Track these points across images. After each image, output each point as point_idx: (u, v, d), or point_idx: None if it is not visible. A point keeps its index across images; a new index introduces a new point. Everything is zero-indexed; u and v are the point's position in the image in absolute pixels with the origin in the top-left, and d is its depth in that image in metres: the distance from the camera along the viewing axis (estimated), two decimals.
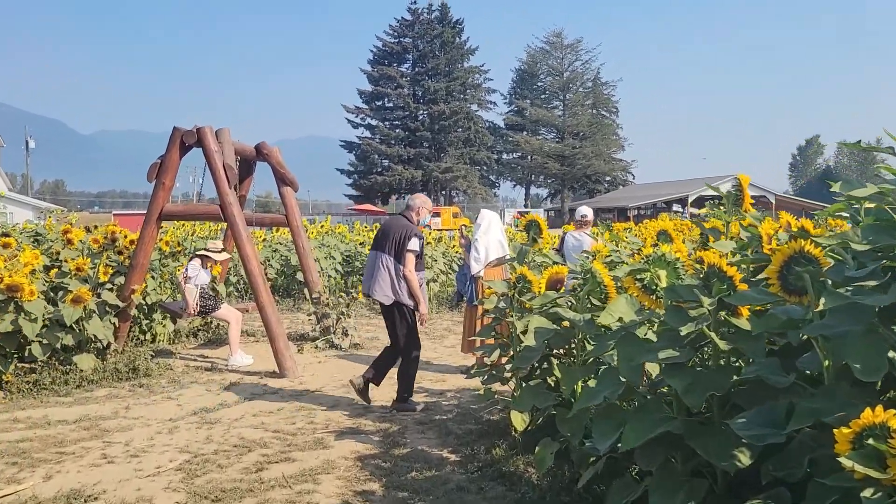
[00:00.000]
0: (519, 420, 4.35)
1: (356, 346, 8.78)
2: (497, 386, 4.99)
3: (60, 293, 6.62)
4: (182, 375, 7.08)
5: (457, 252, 14.13)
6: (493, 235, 7.06)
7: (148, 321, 8.53)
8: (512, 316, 4.62)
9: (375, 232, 7.66)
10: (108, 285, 7.24)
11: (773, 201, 56.80)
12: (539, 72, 77.71)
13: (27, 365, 6.39)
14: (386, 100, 70.28)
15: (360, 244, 14.06)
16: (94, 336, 6.59)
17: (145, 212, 7.31)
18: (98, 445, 4.97)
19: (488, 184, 76.21)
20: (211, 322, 9.24)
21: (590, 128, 74.35)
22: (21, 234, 9.92)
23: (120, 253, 8.04)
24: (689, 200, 56.25)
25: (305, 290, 12.69)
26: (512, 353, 4.70)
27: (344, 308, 8.76)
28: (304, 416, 5.74)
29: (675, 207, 60.00)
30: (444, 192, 71.44)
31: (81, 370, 6.50)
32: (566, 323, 4.21)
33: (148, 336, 8.54)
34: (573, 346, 4.03)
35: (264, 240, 15.09)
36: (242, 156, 8.18)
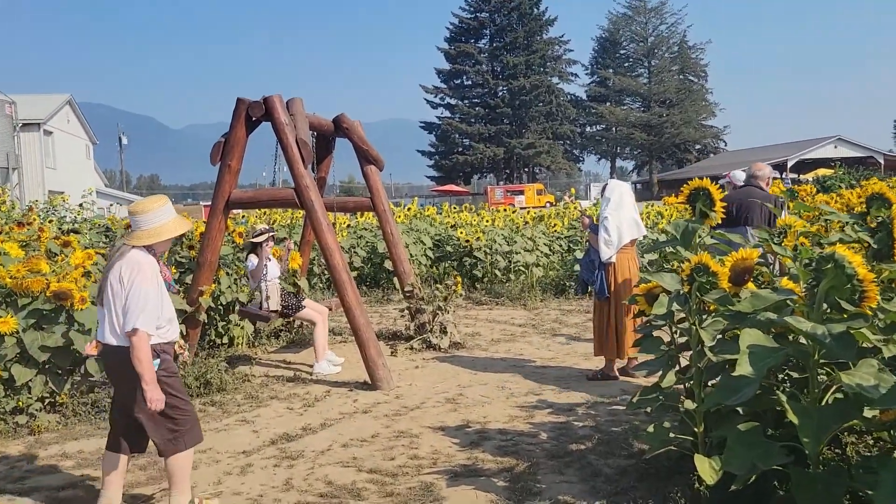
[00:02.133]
0: (708, 470, 3.04)
1: (456, 345, 7.62)
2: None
3: None
4: (261, 389, 6.09)
5: (556, 231, 12.80)
6: (626, 212, 5.73)
7: (224, 323, 7.62)
8: (691, 321, 3.32)
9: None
10: (178, 287, 6.31)
11: (882, 162, 52.41)
12: (622, 39, 74.47)
13: (87, 383, 5.52)
14: (464, 77, 68.86)
15: (451, 227, 12.90)
16: None
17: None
18: (156, 494, 3.98)
19: (572, 158, 73.94)
20: (294, 320, 8.27)
21: (677, 94, 70.84)
22: (90, 229, 9.24)
23: (191, 248, 7.14)
24: (788, 166, 52.56)
25: (395, 281, 11.71)
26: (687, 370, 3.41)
27: (441, 302, 7.61)
28: (405, 447, 4.61)
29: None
30: (526, 169, 69.75)
31: None
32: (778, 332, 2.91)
33: (224, 339, 7.63)
34: (808, 372, 2.71)
35: (349, 226, 14.14)
36: (319, 131, 7.11)
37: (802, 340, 2.77)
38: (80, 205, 18.30)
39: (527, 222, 12.75)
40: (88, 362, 5.29)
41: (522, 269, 11.55)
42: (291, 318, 7.08)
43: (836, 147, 53.31)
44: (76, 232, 8.73)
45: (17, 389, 5.14)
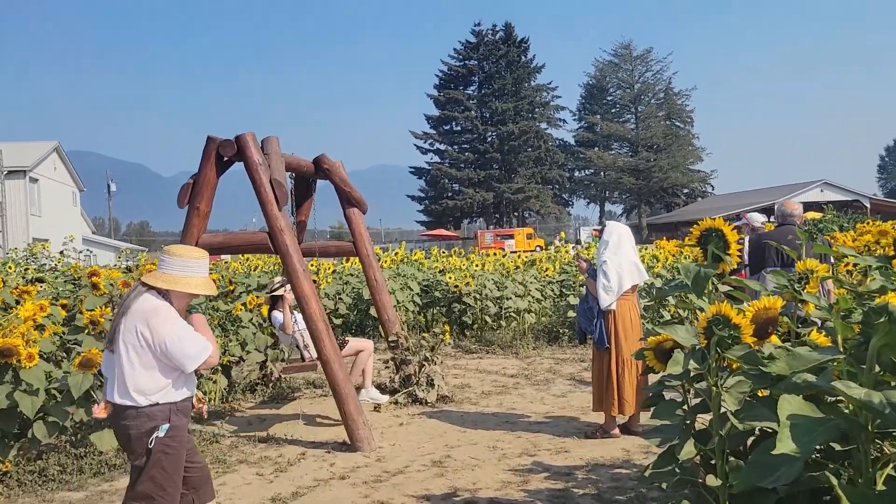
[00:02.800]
0: None
1: (444, 398, 7.12)
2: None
3: (73, 354, 5.22)
4: (229, 451, 5.57)
5: (547, 276, 12.38)
6: (625, 255, 5.32)
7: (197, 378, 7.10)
8: (711, 382, 2.89)
9: (750, 249, 6.41)
10: None
11: (868, 205, 52.60)
12: (609, 85, 75.33)
13: (35, 449, 5.00)
14: (454, 123, 69.28)
15: (440, 272, 12.46)
16: None
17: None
18: None
19: (561, 202, 74.13)
20: (270, 373, 7.76)
21: (665, 139, 71.42)
22: (58, 277, 8.75)
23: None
24: (776, 209, 52.67)
25: (381, 329, 11.23)
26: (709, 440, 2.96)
27: (428, 352, 7.13)
28: None
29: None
30: (516, 213, 69.76)
31: (101, 452, 5.07)
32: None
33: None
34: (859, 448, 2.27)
35: (334, 271, 13.69)
36: (298, 172, 6.72)
37: (846, 407, 2.35)
38: (61, 252, 17.81)
39: (518, 267, 12.33)
40: (36, 426, 4.78)
41: (514, 315, 11.10)
42: (269, 370, 6.71)
43: (821, 191, 53.60)
44: (40, 280, 8.24)
45: None
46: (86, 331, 5.35)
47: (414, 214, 72.79)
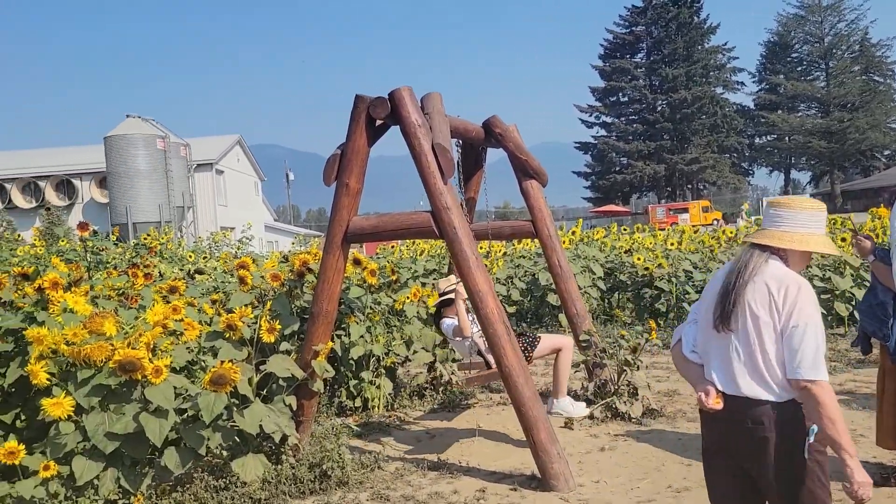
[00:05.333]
0: None
1: (651, 412, 5.74)
2: None
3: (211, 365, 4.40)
4: (394, 482, 4.55)
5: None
6: None
7: (356, 381, 6.22)
8: None
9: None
10: (286, 345, 4.96)
11: None
12: (793, 41, 68.33)
13: (168, 478, 4.22)
14: (621, 94, 66.09)
15: (626, 252, 10.95)
16: (262, 429, 4.27)
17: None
18: None
19: (741, 172, 68.70)
20: (440, 376, 6.73)
21: (861, 97, 63.71)
22: (216, 269, 8.23)
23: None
24: None
25: (561, 317, 9.95)
26: None
27: (628, 354, 5.76)
28: None
29: None
30: (689, 186, 65.50)
31: (243, 483, 4.21)
32: None
33: (357, 402, 6.22)
34: None
35: (504, 254, 12.55)
36: (465, 138, 5.58)
37: None
38: (240, 240, 18.06)
39: (720, 243, 10.53)
40: (167, 454, 3.98)
41: None
42: (530, 359, 5.65)
43: None
44: (200, 272, 7.72)
45: (79, 489, 3.92)
46: (225, 335, 4.52)
47: (580, 191, 70.58)
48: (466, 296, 5.37)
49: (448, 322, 5.80)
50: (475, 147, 6.04)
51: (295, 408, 4.58)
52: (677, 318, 9.55)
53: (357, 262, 6.26)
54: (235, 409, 4.13)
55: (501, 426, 5.68)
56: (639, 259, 9.80)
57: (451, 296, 5.73)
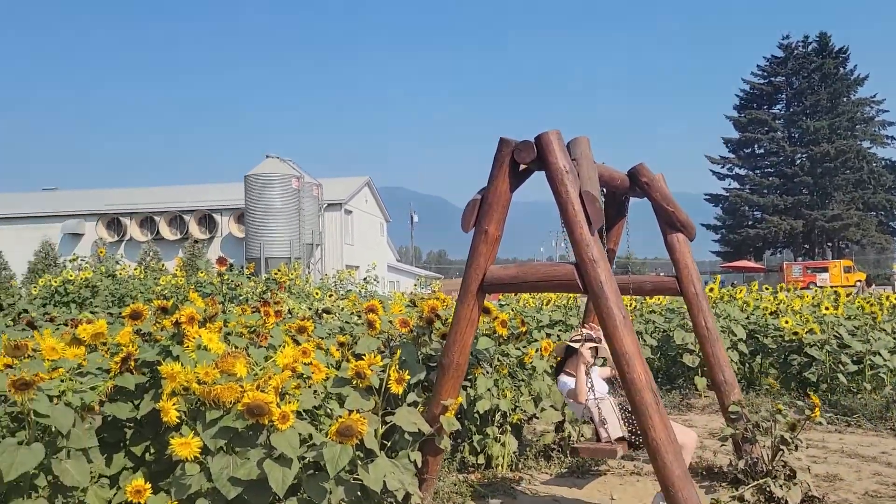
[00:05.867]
0: None
1: (811, 499, 5.08)
2: None
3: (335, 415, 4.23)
4: None
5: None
6: None
7: (480, 437, 5.92)
8: None
9: None
10: (413, 396, 4.74)
11: None
12: None
13: None
14: (756, 146, 63.42)
15: (771, 314, 10.12)
16: (385, 485, 4.04)
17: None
18: None
19: (889, 231, 63.77)
20: (569, 438, 6.32)
21: None
22: (343, 308, 8.21)
23: (444, 337, 5.59)
24: None
25: (698, 380, 9.27)
26: None
27: (785, 432, 5.15)
28: None
29: None
30: (830, 244, 61.42)
31: None
32: None
33: (480, 459, 5.91)
34: None
35: (634, 308, 11.95)
36: (610, 186, 5.25)
37: None
38: (365, 279, 18.31)
39: (886, 311, 9.54)
40: None
41: (885, 376, 8.44)
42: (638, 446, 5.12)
43: None
44: (327, 312, 7.72)
45: None
46: (353, 382, 4.35)
47: (707, 244, 67.76)
48: (589, 359, 4.97)
49: (564, 381, 5.31)
50: (618, 196, 5.70)
51: (419, 464, 4.34)
52: (830, 390, 8.65)
53: (486, 311, 6.00)
54: (360, 462, 3.92)
55: (638, 500, 5.20)
56: (787, 322, 9.01)
57: (576, 345, 5.27)
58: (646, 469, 5.98)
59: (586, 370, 4.99)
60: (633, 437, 4.84)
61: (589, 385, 4.91)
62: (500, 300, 13.61)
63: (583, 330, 5.41)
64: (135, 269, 14.13)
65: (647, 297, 12.32)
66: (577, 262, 4.08)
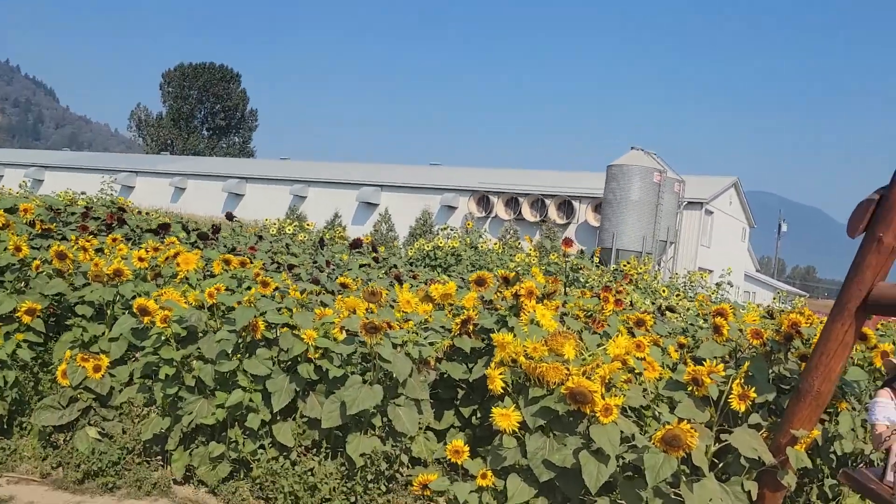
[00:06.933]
0: None
1: None
2: None
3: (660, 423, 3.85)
4: None
5: None
6: None
7: (833, 482, 5.01)
8: None
9: None
10: (756, 418, 4.12)
11: None
12: None
13: None
14: None
15: None
16: None
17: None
18: None
19: None
20: None
21: None
22: (689, 309, 7.59)
23: (803, 358, 4.82)
24: None
25: None
26: None
27: None
28: None
29: None
30: None
31: None
32: None
33: None
34: None
35: None
36: None
37: None
38: (717, 284, 17.16)
39: None
40: (599, 502, 3.59)
41: None
42: None
43: None
44: (671, 310, 7.23)
45: None
46: (688, 388, 3.93)
47: None
48: None
49: (878, 404, 3.97)
50: None
51: (754, 497, 3.77)
52: None
53: (864, 337, 5.02)
54: (684, 478, 3.52)
55: None
56: None
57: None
58: None
59: None
60: None
61: (891, 418, 3.67)
62: (878, 328, 11.58)
63: None
64: (494, 244, 15.03)
65: None
66: None
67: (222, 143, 71.92)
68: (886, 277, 3.61)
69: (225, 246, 7.61)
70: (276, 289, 4.76)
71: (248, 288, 4.68)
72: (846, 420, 4.79)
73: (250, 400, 4.00)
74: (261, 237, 8.77)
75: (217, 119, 71.22)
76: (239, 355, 4.21)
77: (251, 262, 5.74)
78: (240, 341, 4.23)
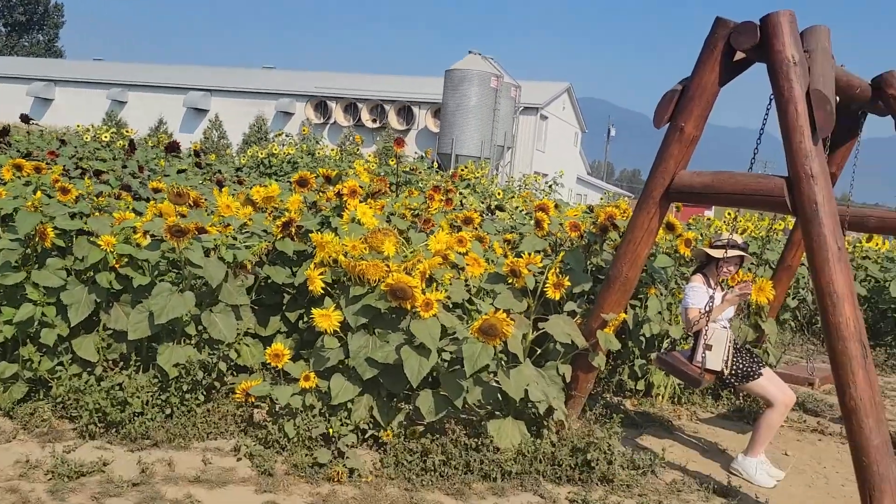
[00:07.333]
0: None
1: None
2: None
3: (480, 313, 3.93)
4: (668, 496, 3.74)
5: None
6: None
7: (643, 362, 5.42)
8: None
9: None
10: (571, 306, 4.32)
11: None
12: None
13: (418, 423, 3.88)
14: None
15: None
16: (526, 394, 3.72)
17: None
18: None
19: None
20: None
21: None
22: (517, 208, 7.83)
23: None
24: None
25: None
26: None
27: None
28: None
29: None
30: None
31: (496, 449, 3.71)
32: None
33: (640, 385, 5.44)
34: None
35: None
36: (844, 95, 4.32)
37: None
38: (549, 185, 17.81)
39: None
40: (421, 396, 3.63)
41: None
42: (735, 387, 4.48)
43: None
44: (500, 209, 7.40)
45: (333, 409, 3.74)
46: (507, 280, 4.02)
47: None
48: (725, 274, 4.13)
49: (693, 289, 4.22)
50: (853, 109, 4.74)
51: (568, 379, 3.97)
52: None
53: (671, 227, 5.36)
54: (502, 366, 3.62)
55: (816, 462, 4.54)
56: None
57: (716, 254, 4.30)
58: (831, 429, 5.24)
59: (719, 286, 4.21)
60: (729, 377, 4.08)
61: (709, 301, 4.03)
62: (690, 222, 12.60)
63: (727, 236, 4.39)
64: (332, 151, 14.63)
65: (864, 239, 10.82)
66: (789, 175, 3.37)
67: (23, 42, 64.18)
68: (688, 166, 3.80)
69: (18, 151, 6.81)
70: (80, 196, 4.33)
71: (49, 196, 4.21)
72: (654, 304, 5.14)
73: (43, 314, 3.64)
74: (64, 142, 7.94)
75: (15, 13, 63.23)
76: (29, 267, 3.80)
77: (49, 168, 5.17)
78: (28, 251, 3.81)
